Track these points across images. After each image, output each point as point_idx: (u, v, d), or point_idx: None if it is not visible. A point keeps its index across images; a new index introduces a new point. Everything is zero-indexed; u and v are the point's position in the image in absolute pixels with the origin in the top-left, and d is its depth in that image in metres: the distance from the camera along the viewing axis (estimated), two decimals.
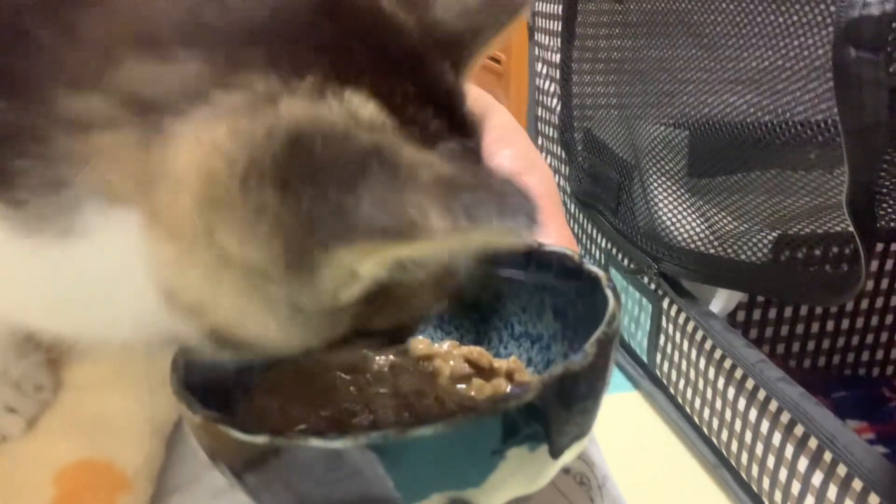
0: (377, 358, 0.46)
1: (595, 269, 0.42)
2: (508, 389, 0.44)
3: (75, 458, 0.42)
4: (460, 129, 0.34)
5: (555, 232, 0.50)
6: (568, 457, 0.37)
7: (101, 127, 0.29)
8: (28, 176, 0.30)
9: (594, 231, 1.37)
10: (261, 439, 0.31)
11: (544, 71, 1.49)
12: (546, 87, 1.50)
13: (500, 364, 0.46)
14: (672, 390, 1.18)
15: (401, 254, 0.29)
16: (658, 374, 1.22)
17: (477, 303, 0.47)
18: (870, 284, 1.22)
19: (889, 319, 1.26)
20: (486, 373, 0.46)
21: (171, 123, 0.29)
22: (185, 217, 0.29)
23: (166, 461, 0.46)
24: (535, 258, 0.45)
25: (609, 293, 0.39)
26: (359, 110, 0.30)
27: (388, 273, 0.30)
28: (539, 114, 1.55)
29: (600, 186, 1.32)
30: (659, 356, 1.20)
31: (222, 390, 0.40)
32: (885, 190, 0.73)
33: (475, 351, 0.46)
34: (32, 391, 0.44)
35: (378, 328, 0.34)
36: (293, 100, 0.29)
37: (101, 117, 0.29)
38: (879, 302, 1.25)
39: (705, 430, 1.10)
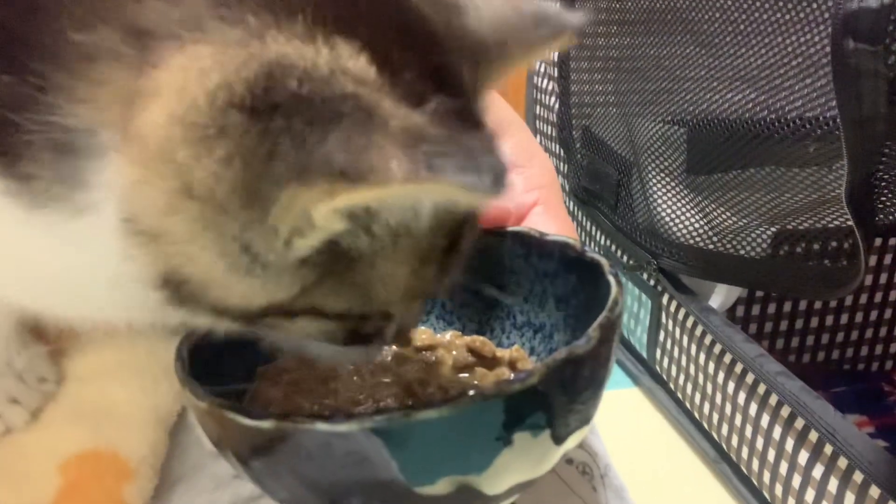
0: None
1: (597, 255, 0.42)
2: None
3: (80, 448, 0.42)
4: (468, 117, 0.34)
5: (555, 222, 0.50)
6: (571, 443, 0.37)
7: (105, 59, 0.29)
8: (32, 147, 0.30)
9: (593, 228, 1.37)
10: (267, 424, 0.31)
11: (542, 69, 1.49)
12: (544, 85, 1.50)
13: (503, 353, 0.46)
14: (672, 386, 1.18)
15: (357, 200, 0.28)
16: (658, 369, 1.22)
17: (478, 292, 0.47)
18: (868, 279, 1.23)
19: (888, 314, 1.27)
20: (488, 362, 0.46)
21: (166, 52, 0.29)
22: (154, 133, 0.29)
23: (170, 451, 0.46)
24: (537, 247, 0.45)
25: (611, 279, 0.39)
26: (347, 60, 0.30)
27: (345, 230, 0.30)
28: (537, 112, 1.55)
29: (599, 184, 1.32)
30: (659, 352, 1.20)
31: (225, 380, 0.40)
32: (883, 183, 0.73)
33: (478, 340, 0.47)
34: (36, 382, 0.44)
35: (332, 310, 0.33)
36: (280, 36, 0.29)
37: (105, 49, 0.29)
38: (878, 296, 1.25)
39: (706, 424, 1.10)
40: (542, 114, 1.52)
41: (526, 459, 0.35)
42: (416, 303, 0.37)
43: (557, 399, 0.34)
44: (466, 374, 0.45)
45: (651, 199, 1.17)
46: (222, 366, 0.40)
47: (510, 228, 0.47)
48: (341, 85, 0.29)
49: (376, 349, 0.40)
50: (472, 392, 0.32)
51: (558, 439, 0.35)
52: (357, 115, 0.28)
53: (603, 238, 1.33)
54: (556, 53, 1.43)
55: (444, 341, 0.47)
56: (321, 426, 0.31)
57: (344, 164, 0.27)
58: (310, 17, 0.30)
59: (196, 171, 0.28)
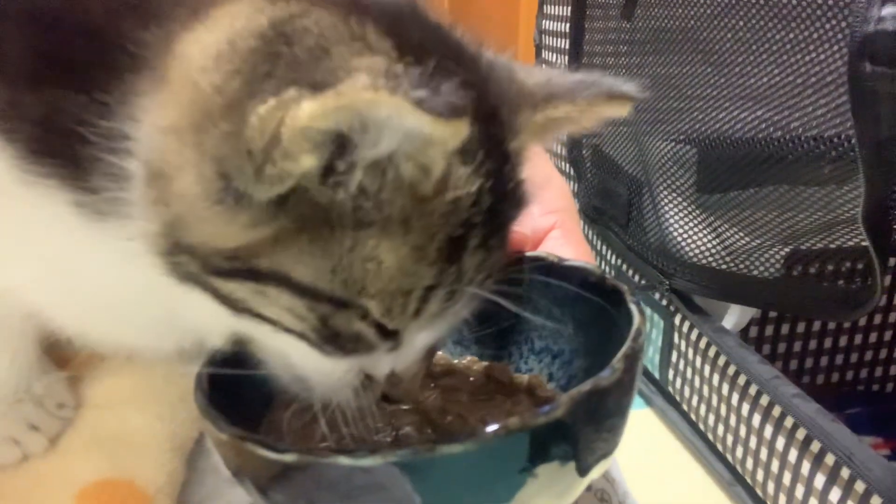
0: None
1: (617, 282, 0.41)
2: (530, 405, 0.44)
3: (97, 477, 0.42)
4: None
5: (573, 246, 0.50)
6: (595, 473, 0.36)
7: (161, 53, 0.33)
8: (100, 161, 0.33)
9: (604, 248, 1.37)
10: (290, 457, 0.31)
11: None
12: None
13: (521, 379, 0.46)
14: (685, 407, 1.17)
15: (317, 109, 0.29)
16: (671, 390, 1.21)
17: (496, 317, 0.47)
18: (883, 300, 1.22)
19: None
20: (506, 388, 0.45)
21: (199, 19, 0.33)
22: (184, 82, 0.32)
23: (186, 478, 0.46)
24: (556, 273, 0.45)
25: (633, 308, 0.39)
26: (368, 35, 0.32)
27: (319, 165, 0.30)
28: None
29: (610, 203, 1.32)
30: (671, 373, 1.20)
31: (243, 407, 0.40)
32: None
33: (496, 367, 0.46)
34: (55, 408, 0.44)
35: (300, 279, 0.33)
36: (316, 9, 0.32)
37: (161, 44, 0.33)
38: (893, 317, 1.25)
39: (720, 447, 1.09)
40: None
41: (550, 491, 0.34)
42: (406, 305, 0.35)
43: (582, 430, 0.33)
44: (485, 401, 0.45)
45: (663, 219, 1.16)
46: (240, 394, 0.40)
47: (528, 253, 0.47)
48: (340, 37, 0.31)
49: (369, 387, 0.38)
50: (496, 425, 0.31)
51: (583, 471, 0.35)
52: (344, 54, 0.31)
53: (614, 258, 1.33)
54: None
55: (461, 367, 0.47)
56: (344, 460, 0.31)
57: (311, 77, 0.30)
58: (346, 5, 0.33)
59: (200, 83, 0.31)
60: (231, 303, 0.34)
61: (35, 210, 0.35)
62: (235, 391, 0.39)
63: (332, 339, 0.35)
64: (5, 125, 0.35)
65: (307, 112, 0.28)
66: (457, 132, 0.30)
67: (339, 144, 0.30)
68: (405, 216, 0.32)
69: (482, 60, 0.37)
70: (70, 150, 0.34)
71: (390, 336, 0.35)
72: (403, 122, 0.29)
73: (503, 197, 0.35)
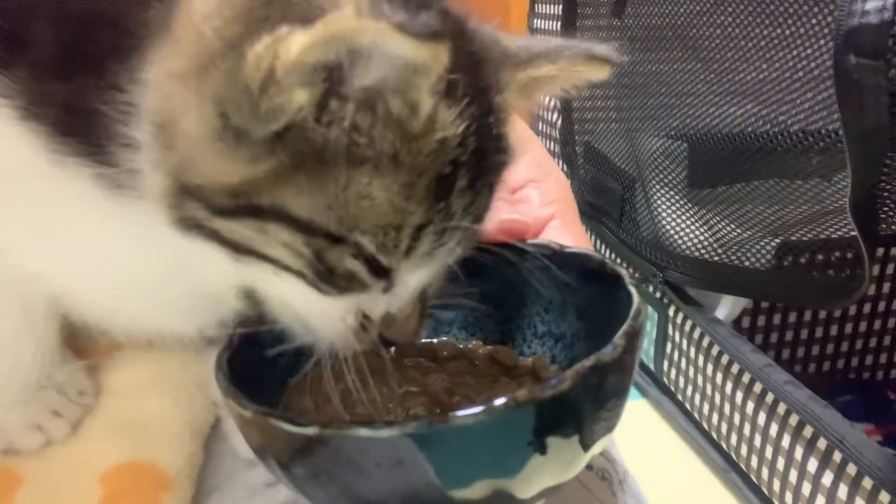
0: (405, 360, 0.48)
1: (617, 267, 0.43)
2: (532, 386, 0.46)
3: (119, 460, 0.44)
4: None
5: (572, 235, 0.52)
6: (596, 449, 0.38)
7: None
8: (117, 135, 0.36)
9: (598, 242, 1.39)
10: (311, 430, 0.33)
11: None
12: (546, 101, 1.52)
13: (525, 362, 0.47)
14: (680, 397, 1.19)
15: (308, 40, 0.30)
16: (665, 381, 1.23)
17: (501, 302, 0.49)
18: (871, 289, 1.24)
19: (891, 323, 1.28)
20: (511, 371, 0.47)
21: None
22: (186, 22, 0.34)
23: (204, 461, 0.48)
24: (557, 259, 0.47)
25: (632, 290, 0.41)
26: None
27: (312, 102, 0.32)
28: (539, 128, 1.57)
29: (603, 198, 1.34)
30: (666, 363, 1.21)
31: (259, 390, 0.41)
32: (886, 194, 0.75)
33: (500, 350, 0.48)
34: (76, 395, 0.46)
35: (299, 213, 0.34)
36: None
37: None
38: (882, 306, 1.27)
39: (714, 434, 1.11)
40: (544, 129, 1.54)
41: (555, 464, 0.36)
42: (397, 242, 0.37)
43: (586, 406, 0.35)
44: (490, 383, 0.47)
45: (655, 213, 1.18)
46: (256, 377, 0.41)
47: (530, 241, 0.48)
48: None
49: (368, 328, 0.39)
50: (505, 398, 0.33)
51: (586, 445, 0.36)
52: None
53: (608, 252, 1.35)
54: None
55: (467, 351, 0.49)
56: (362, 431, 0.32)
57: (301, 10, 0.31)
58: None
59: (202, 30, 0.33)
60: (235, 245, 0.36)
61: (63, 187, 0.37)
62: (252, 375, 0.41)
63: (327, 277, 0.36)
64: (36, 111, 0.37)
65: (298, 45, 0.30)
66: (437, 56, 0.32)
67: (331, 79, 0.32)
68: (395, 153, 0.34)
69: (468, 21, 0.39)
70: (91, 127, 0.36)
71: (383, 275, 0.37)
72: (387, 47, 0.31)
73: (489, 142, 0.37)
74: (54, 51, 0.37)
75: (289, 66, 0.31)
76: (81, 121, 0.36)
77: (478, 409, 0.32)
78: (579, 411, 0.35)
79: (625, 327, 0.37)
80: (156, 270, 0.39)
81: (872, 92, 0.61)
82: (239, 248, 0.36)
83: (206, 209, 0.35)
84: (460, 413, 0.32)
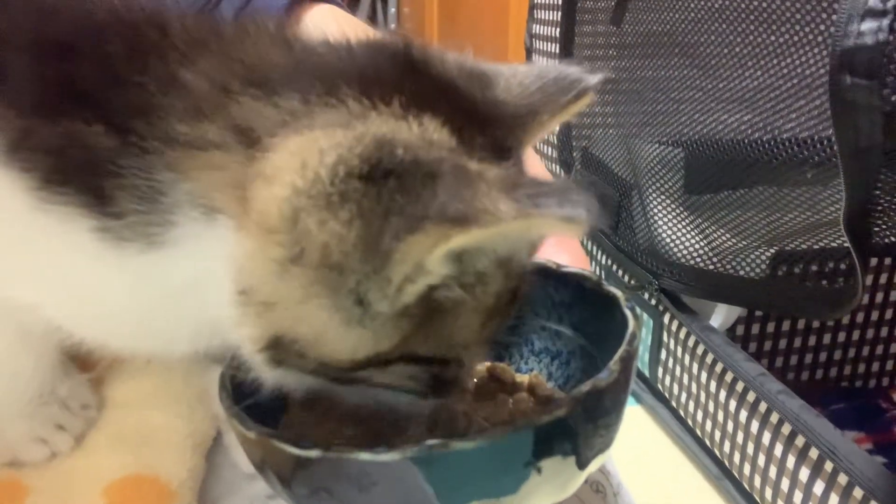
0: None
1: (613, 289, 0.44)
2: (531, 403, 0.46)
3: (122, 472, 0.44)
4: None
5: (569, 253, 0.53)
6: (593, 467, 0.39)
7: (212, 148, 0.34)
8: (127, 192, 0.35)
9: (594, 248, 1.39)
10: (313, 453, 0.34)
11: None
12: None
13: (522, 379, 0.48)
14: (674, 404, 1.19)
15: (471, 241, 0.31)
16: (660, 388, 1.24)
17: None
18: (865, 298, 1.25)
19: (884, 332, 1.29)
20: (508, 387, 0.48)
21: (270, 139, 0.33)
22: (273, 207, 0.32)
23: (206, 473, 0.48)
24: (554, 279, 0.48)
25: (628, 312, 0.42)
26: (434, 133, 0.34)
27: (456, 273, 0.33)
28: None
29: (599, 204, 1.34)
30: (661, 370, 1.22)
31: (261, 404, 0.42)
32: (879, 208, 0.76)
33: (498, 367, 0.49)
34: (79, 409, 0.46)
35: (423, 351, 0.36)
36: (380, 118, 0.33)
37: (212, 141, 0.34)
38: (875, 315, 1.27)
39: (708, 442, 1.12)
40: None
41: (552, 484, 0.37)
42: (483, 351, 0.40)
43: (582, 427, 0.36)
44: (489, 399, 0.47)
45: (651, 221, 1.19)
46: (258, 392, 0.42)
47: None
48: (435, 152, 0.33)
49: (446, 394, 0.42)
50: (504, 424, 0.34)
51: (582, 464, 0.37)
52: (455, 173, 0.32)
53: (604, 258, 1.35)
54: None
55: None
56: (363, 456, 0.33)
57: (457, 210, 0.30)
58: (401, 101, 0.34)
59: (319, 235, 0.32)
60: (338, 380, 0.37)
61: (53, 235, 0.37)
62: (256, 387, 0.41)
63: (436, 387, 0.39)
64: (20, 155, 0.36)
65: (459, 242, 0.31)
66: (530, 228, 0.32)
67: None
68: (493, 290, 0.36)
69: (487, 97, 0.39)
70: (88, 180, 0.35)
71: None
72: (550, 231, 0.32)
73: None
74: (34, 85, 0.36)
75: (441, 257, 0.32)
76: (76, 170, 0.35)
77: (477, 435, 0.33)
78: (576, 434, 0.36)
79: (620, 352, 0.38)
80: (154, 306, 0.38)
81: (867, 111, 0.62)
82: (341, 381, 0.37)
83: (316, 369, 0.36)
84: (459, 439, 0.33)
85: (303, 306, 0.34)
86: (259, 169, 0.33)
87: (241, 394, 0.40)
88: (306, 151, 0.33)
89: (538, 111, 0.40)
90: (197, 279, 0.35)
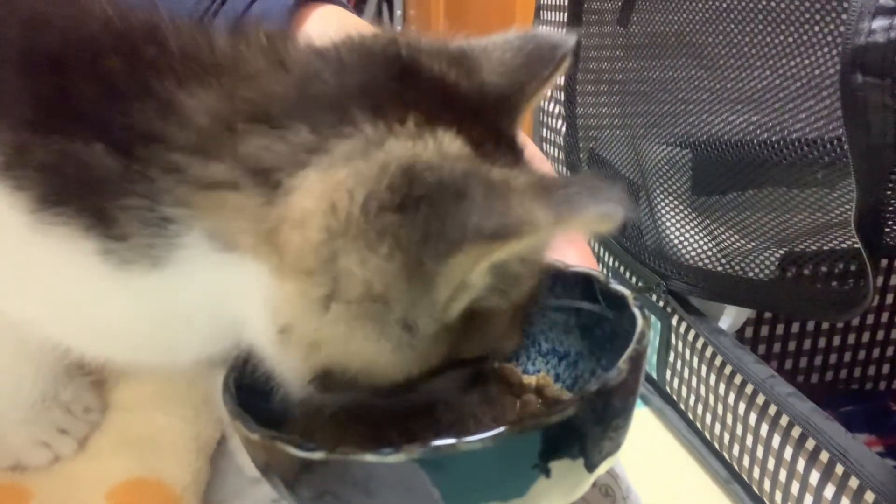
0: None
1: (621, 288, 0.43)
2: (539, 404, 0.46)
3: (126, 476, 0.44)
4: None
5: (576, 251, 0.52)
6: (602, 469, 0.38)
7: (225, 188, 0.33)
8: (131, 214, 0.34)
9: (602, 249, 1.39)
10: (318, 455, 0.33)
11: (548, 93, 1.51)
12: (550, 108, 1.52)
13: (530, 380, 0.48)
14: (683, 406, 1.19)
15: (510, 252, 0.31)
16: (668, 390, 1.23)
17: None
18: (875, 300, 1.24)
19: (894, 334, 1.28)
20: (516, 388, 0.47)
21: (290, 179, 0.32)
22: (309, 250, 0.32)
23: (211, 477, 0.48)
24: (562, 278, 0.47)
25: (636, 312, 0.41)
26: (449, 146, 0.33)
27: (493, 281, 0.33)
28: (544, 135, 1.57)
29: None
30: (669, 373, 1.21)
31: (267, 402, 0.41)
32: (891, 208, 0.75)
33: (505, 368, 0.48)
34: (82, 412, 0.46)
35: (466, 356, 0.37)
36: (398, 141, 0.32)
37: (223, 182, 0.33)
38: (885, 316, 1.27)
39: (716, 445, 1.11)
40: (549, 136, 1.54)
41: (561, 486, 0.36)
42: (516, 335, 0.40)
43: (591, 429, 0.35)
44: (496, 400, 0.47)
45: (659, 222, 1.18)
46: (263, 393, 0.41)
47: None
48: (455, 166, 0.32)
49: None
50: (511, 424, 0.33)
51: (591, 467, 0.37)
52: (483, 186, 0.31)
53: (612, 260, 1.35)
54: (563, 77, 1.44)
55: None
56: (369, 457, 0.33)
57: (495, 225, 0.30)
58: (414, 118, 0.33)
59: (361, 272, 0.32)
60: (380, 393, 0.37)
61: (54, 255, 0.36)
62: (260, 389, 0.41)
63: (476, 381, 0.40)
64: (14, 173, 0.35)
65: (501, 256, 0.31)
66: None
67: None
68: (522, 290, 0.37)
69: (474, 83, 0.39)
70: (89, 200, 0.34)
71: None
72: (588, 230, 0.32)
73: None
74: (26, 101, 0.35)
75: (484, 271, 0.32)
76: (74, 190, 0.34)
77: (484, 435, 0.32)
78: (584, 435, 0.35)
79: (629, 351, 0.37)
80: (159, 324, 0.38)
81: (878, 110, 0.61)
82: (386, 394, 0.37)
83: (363, 391, 0.36)
84: (467, 439, 0.32)
85: (349, 340, 0.34)
86: (283, 213, 0.33)
87: (244, 395, 0.39)
88: (334, 192, 0.32)
89: (524, 88, 0.39)
90: (206, 300, 0.35)
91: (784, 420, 0.94)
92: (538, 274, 0.37)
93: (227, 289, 0.34)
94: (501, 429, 0.33)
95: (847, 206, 0.78)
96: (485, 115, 0.36)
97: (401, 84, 0.35)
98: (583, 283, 0.46)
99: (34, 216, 0.35)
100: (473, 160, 0.34)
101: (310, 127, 0.33)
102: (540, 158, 0.58)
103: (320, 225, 0.32)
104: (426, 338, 0.34)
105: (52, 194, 0.34)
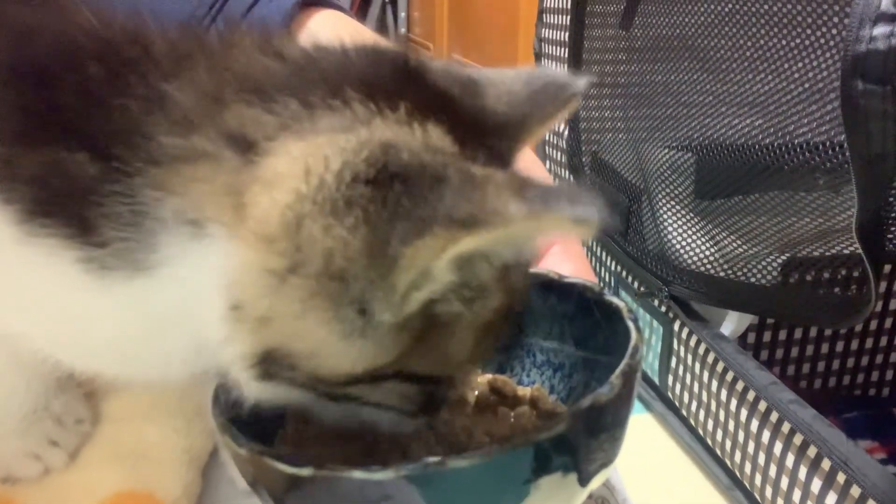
0: None
1: (616, 300, 0.43)
2: (533, 417, 0.46)
3: (117, 488, 0.44)
4: None
5: (573, 262, 0.52)
6: (595, 483, 0.38)
7: (201, 159, 0.32)
8: (111, 217, 0.33)
9: (603, 254, 1.38)
10: (306, 471, 0.33)
11: None
12: None
13: (524, 392, 0.47)
14: (684, 412, 1.18)
15: (479, 243, 0.30)
16: (670, 396, 1.22)
17: None
18: (878, 306, 1.23)
19: None
20: (510, 400, 0.47)
21: (267, 142, 0.32)
22: (275, 213, 0.31)
23: (202, 489, 0.48)
24: (557, 289, 0.47)
25: (630, 324, 0.41)
26: (438, 140, 0.33)
27: (458, 281, 0.32)
28: (546, 138, 1.56)
29: (609, 206, 1.33)
30: (671, 378, 1.21)
31: (257, 419, 0.41)
32: (893, 214, 0.75)
33: (499, 379, 0.48)
34: (73, 424, 0.46)
35: (418, 369, 0.36)
36: (385, 123, 0.33)
37: (202, 152, 0.32)
38: (888, 322, 1.26)
39: (718, 451, 1.11)
40: (551, 140, 1.54)
41: (554, 501, 0.36)
42: (473, 371, 0.40)
43: (583, 443, 0.35)
44: (489, 413, 0.47)
45: (661, 226, 1.18)
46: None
47: (530, 270, 0.48)
48: (440, 157, 0.32)
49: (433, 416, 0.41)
50: (501, 439, 0.33)
51: (584, 481, 0.36)
52: (461, 175, 0.31)
53: (614, 265, 1.34)
54: None
55: None
56: (357, 474, 0.32)
57: (466, 212, 0.30)
58: (406, 107, 0.33)
59: (323, 241, 0.31)
60: (327, 396, 0.36)
61: (38, 267, 0.35)
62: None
63: (427, 406, 0.38)
64: (1, 187, 0.35)
65: (466, 246, 0.30)
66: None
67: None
68: (489, 306, 0.36)
69: (477, 106, 0.39)
70: (72, 210, 0.34)
71: None
72: (559, 231, 0.32)
73: None
74: (12, 113, 0.35)
75: (448, 262, 0.31)
76: (59, 200, 0.34)
77: (474, 453, 0.32)
78: (577, 449, 0.35)
79: (622, 366, 0.37)
80: (145, 334, 0.37)
81: (879, 118, 0.61)
82: (331, 398, 0.36)
83: (306, 383, 0.35)
84: (456, 457, 0.32)
85: (300, 319, 0.33)
86: (256, 174, 0.32)
87: (235, 408, 0.39)
88: (310, 156, 0.32)
89: (527, 121, 0.39)
90: (188, 301, 0.34)
91: (786, 427, 0.93)
92: (509, 294, 0.36)
93: (200, 276, 0.33)
94: (492, 446, 0.33)
95: (850, 212, 0.77)
96: (481, 131, 0.36)
97: (401, 83, 0.35)
98: (578, 295, 0.46)
99: (21, 228, 0.34)
100: (458, 156, 0.33)
101: (299, 100, 0.33)
102: (539, 167, 0.58)
103: (291, 187, 0.31)
104: (380, 327, 0.33)
105: (39, 206, 0.34)
